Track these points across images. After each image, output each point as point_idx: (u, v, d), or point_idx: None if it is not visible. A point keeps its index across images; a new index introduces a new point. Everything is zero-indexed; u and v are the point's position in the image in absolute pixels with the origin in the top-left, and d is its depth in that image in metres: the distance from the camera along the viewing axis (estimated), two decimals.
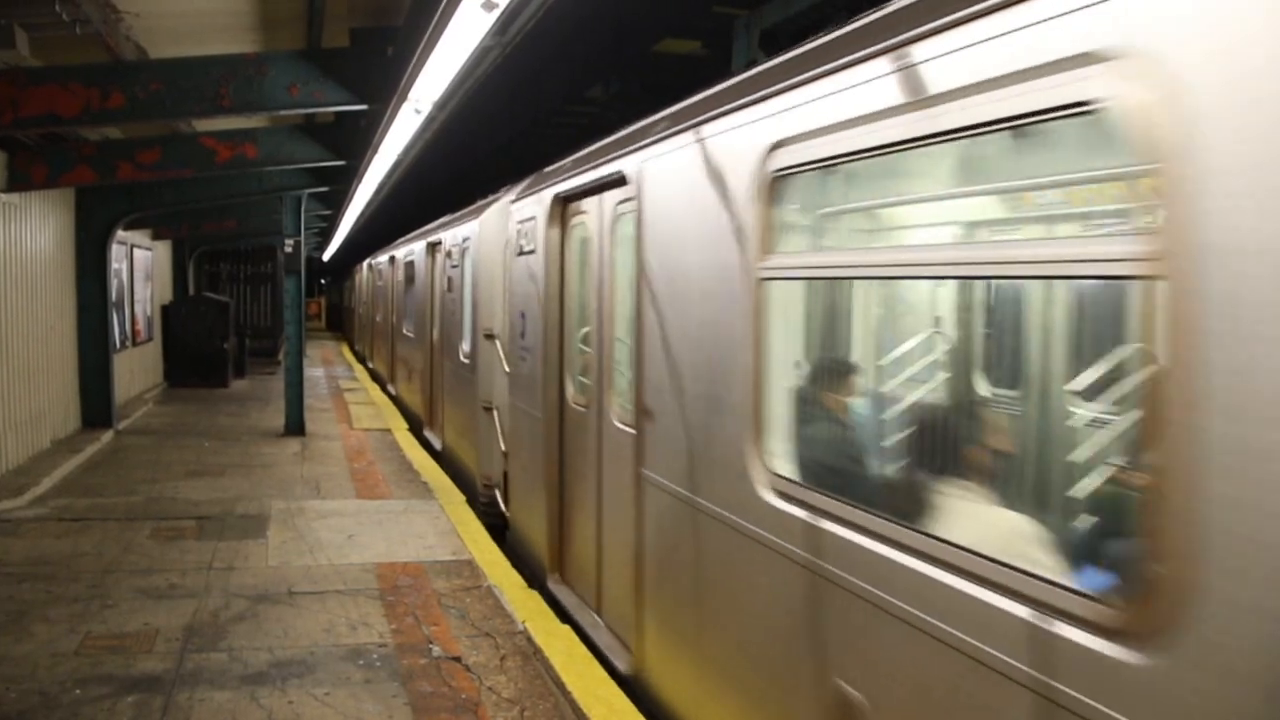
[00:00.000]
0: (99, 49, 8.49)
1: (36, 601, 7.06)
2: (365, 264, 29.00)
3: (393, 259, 20.37)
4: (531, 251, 7.71)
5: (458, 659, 6.11)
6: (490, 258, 9.85)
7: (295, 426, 14.97)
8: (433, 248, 14.20)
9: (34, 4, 7.33)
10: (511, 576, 7.77)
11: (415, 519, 9.64)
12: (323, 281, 54.46)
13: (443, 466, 12.68)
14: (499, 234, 9.36)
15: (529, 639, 6.33)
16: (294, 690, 5.65)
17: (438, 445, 13.56)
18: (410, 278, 16.93)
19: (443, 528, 9.31)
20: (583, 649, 6.07)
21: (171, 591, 7.36)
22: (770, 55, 4.43)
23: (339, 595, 7.34)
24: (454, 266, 12.20)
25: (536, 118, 15.36)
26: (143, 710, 5.34)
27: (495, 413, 9.30)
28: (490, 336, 9.64)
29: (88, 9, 7.45)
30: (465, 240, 11.38)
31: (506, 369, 8.89)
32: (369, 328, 27.16)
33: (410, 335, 16.81)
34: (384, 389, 21.90)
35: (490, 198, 10.53)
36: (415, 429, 15.69)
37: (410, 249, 17.08)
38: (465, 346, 11.37)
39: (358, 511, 9.96)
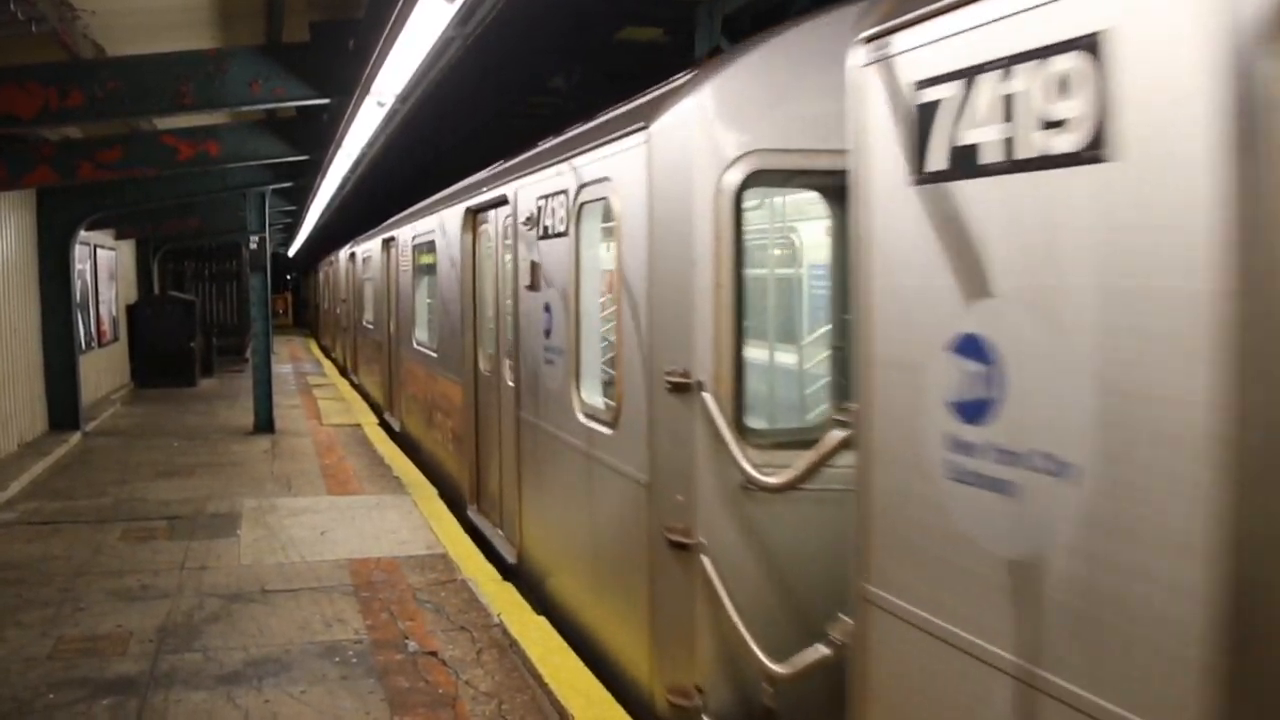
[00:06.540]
0: (56, 48, 8.37)
1: (7, 606, 7.01)
2: (319, 267, 36.33)
3: (332, 263, 28.62)
4: (370, 277, 16.60)
5: (434, 653, 6.13)
6: (360, 266, 19.77)
7: (264, 424, 14.88)
8: (351, 257, 22.40)
9: None
10: (486, 569, 7.78)
11: (388, 514, 9.63)
12: (289, 277, 53.97)
13: (356, 389, 20.71)
14: (361, 255, 19.35)
15: (505, 631, 6.35)
16: (270, 689, 5.64)
17: (354, 378, 21.84)
18: (340, 277, 25.52)
19: (415, 522, 9.30)
20: (559, 640, 6.10)
21: (144, 593, 7.32)
22: (734, 41, 4.58)
23: (313, 592, 7.33)
24: (353, 267, 21.41)
25: (500, 108, 15.35)
26: (118, 713, 5.32)
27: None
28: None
29: (43, 7, 7.33)
30: (351, 256, 21.61)
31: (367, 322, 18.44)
32: (323, 314, 34.76)
33: (339, 313, 25.75)
34: (327, 355, 30.05)
35: (359, 237, 20.73)
36: (344, 373, 24.03)
37: (338, 256, 25.87)
38: (363, 315, 19.70)
39: (330, 508, 9.94)
